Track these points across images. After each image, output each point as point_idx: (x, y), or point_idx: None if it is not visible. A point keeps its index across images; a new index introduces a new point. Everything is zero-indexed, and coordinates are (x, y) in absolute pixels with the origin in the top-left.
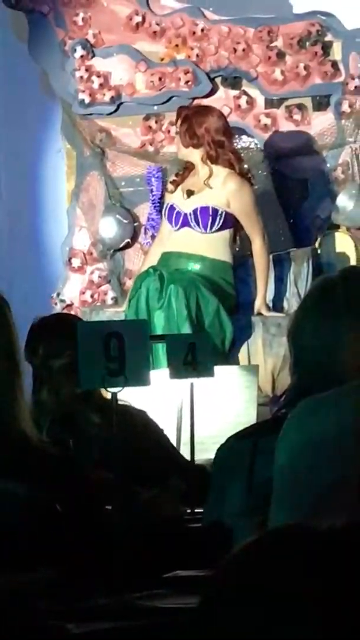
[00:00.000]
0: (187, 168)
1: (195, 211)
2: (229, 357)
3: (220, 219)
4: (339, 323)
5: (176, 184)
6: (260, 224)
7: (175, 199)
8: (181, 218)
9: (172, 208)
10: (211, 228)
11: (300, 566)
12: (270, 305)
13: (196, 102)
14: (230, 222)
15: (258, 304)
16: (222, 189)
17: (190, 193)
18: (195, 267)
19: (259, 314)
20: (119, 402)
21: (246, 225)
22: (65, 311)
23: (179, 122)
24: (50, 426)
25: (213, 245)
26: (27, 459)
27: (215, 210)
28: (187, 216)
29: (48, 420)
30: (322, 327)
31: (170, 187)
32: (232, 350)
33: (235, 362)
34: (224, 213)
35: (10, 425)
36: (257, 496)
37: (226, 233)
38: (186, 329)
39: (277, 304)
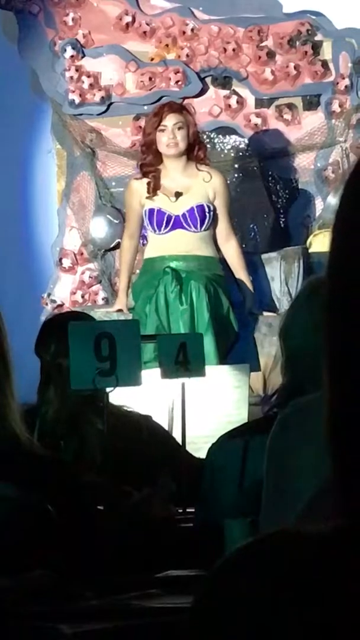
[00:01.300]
0: (152, 171)
1: (190, 211)
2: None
3: (211, 215)
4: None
5: (155, 187)
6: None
7: (160, 203)
8: (172, 221)
9: (159, 213)
10: (204, 226)
11: (290, 571)
12: (261, 303)
13: (186, 101)
14: (217, 217)
15: (250, 304)
16: (209, 185)
17: (178, 194)
18: (192, 267)
19: (251, 313)
20: (125, 408)
21: (225, 220)
22: (55, 312)
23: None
24: (55, 425)
25: (204, 243)
26: (16, 459)
27: (208, 207)
28: (179, 218)
29: (53, 419)
30: (312, 327)
31: (147, 194)
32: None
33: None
34: (213, 209)
35: (0, 426)
36: (248, 496)
37: (212, 229)
38: (207, 328)
39: (268, 304)
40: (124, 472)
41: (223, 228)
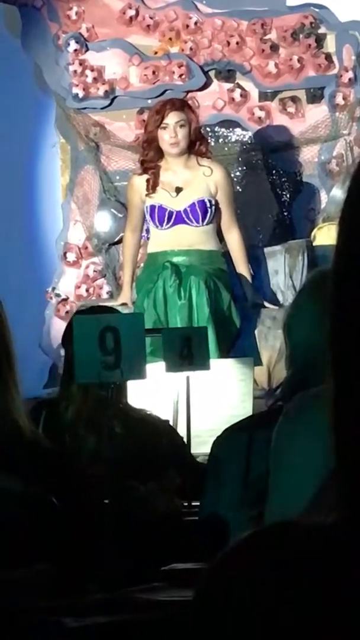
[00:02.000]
0: (152, 167)
1: (191, 206)
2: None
3: (212, 209)
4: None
5: (154, 184)
6: (236, 212)
7: (160, 199)
8: (174, 216)
9: (161, 209)
10: (206, 220)
11: (291, 563)
12: (265, 296)
13: (190, 95)
14: (219, 211)
15: (251, 296)
16: (210, 179)
17: (179, 190)
18: (194, 261)
19: (256, 304)
20: (144, 411)
21: (228, 213)
22: (60, 306)
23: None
24: (75, 421)
25: (207, 237)
26: (20, 452)
27: (209, 202)
28: (181, 213)
29: (73, 416)
30: (316, 320)
31: (147, 191)
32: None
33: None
34: (215, 203)
35: (2, 418)
36: (253, 489)
37: (215, 223)
38: (207, 323)
39: (272, 297)
40: (137, 473)
41: (226, 220)
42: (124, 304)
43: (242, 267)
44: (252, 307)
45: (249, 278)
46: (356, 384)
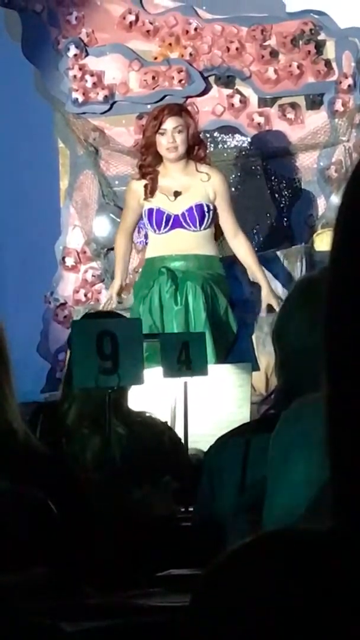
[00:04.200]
0: (151, 173)
1: (189, 210)
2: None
3: (210, 214)
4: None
5: (152, 189)
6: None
7: (159, 202)
8: (171, 220)
9: (159, 212)
10: (204, 225)
11: (287, 570)
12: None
13: (189, 100)
14: (217, 216)
15: (267, 295)
16: (208, 184)
17: (177, 194)
18: (191, 266)
19: (270, 306)
20: (145, 413)
21: (231, 220)
22: (58, 310)
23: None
24: (79, 420)
25: (204, 242)
26: (13, 455)
27: (207, 207)
28: (179, 217)
29: (76, 415)
30: (306, 326)
31: (145, 195)
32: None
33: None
34: (213, 208)
35: None
36: (249, 496)
37: (212, 228)
38: (203, 328)
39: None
40: (140, 475)
41: (230, 225)
42: (118, 296)
43: (254, 269)
44: (268, 311)
45: (264, 283)
46: (351, 390)
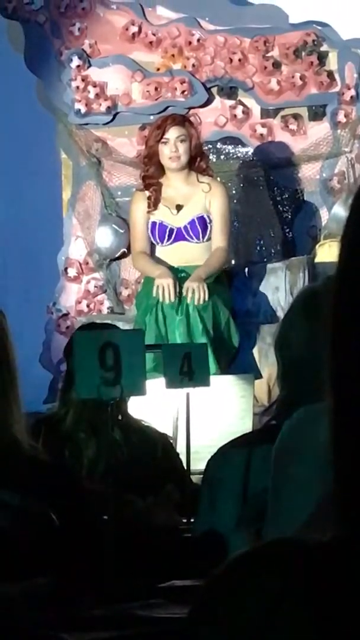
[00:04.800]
0: (154, 184)
1: (191, 223)
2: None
3: (211, 225)
4: (324, 333)
5: (156, 201)
6: (229, 230)
7: (161, 216)
8: (174, 233)
9: (162, 226)
10: (206, 236)
11: (288, 580)
12: (266, 313)
13: (192, 111)
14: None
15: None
16: (207, 196)
17: (179, 207)
18: None
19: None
20: (143, 422)
21: (216, 228)
22: (60, 321)
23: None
24: (76, 424)
25: (207, 253)
26: (18, 467)
27: (208, 218)
28: (181, 230)
29: (73, 420)
30: (308, 336)
31: (149, 208)
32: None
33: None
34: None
35: (2, 432)
36: (251, 506)
37: None
38: (204, 338)
39: (273, 314)
40: (133, 482)
41: (215, 235)
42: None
43: (200, 270)
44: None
45: (201, 269)
46: (356, 400)
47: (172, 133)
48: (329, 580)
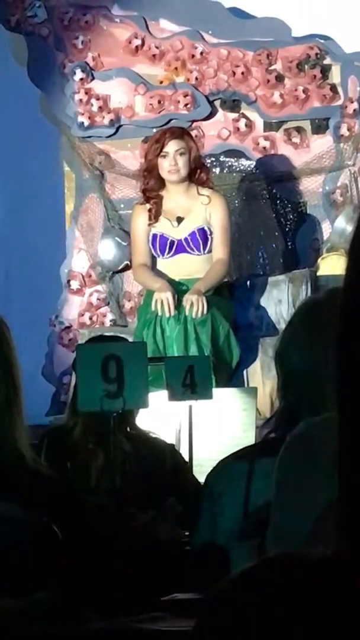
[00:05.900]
0: (154, 197)
1: (192, 235)
2: (232, 379)
3: (212, 237)
4: (325, 345)
5: (157, 213)
6: (230, 242)
7: (162, 228)
8: (175, 245)
9: (162, 238)
10: (207, 249)
11: (291, 595)
12: (268, 326)
13: (195, 124)
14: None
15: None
16: (207, 208)
17: (180, 220)
18: None
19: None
20: (152, 435)
21: (220, 237)
22: (63, 333)
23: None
24: (83, 438)
25: (208, 266)
26: (21, 480)
27: (209, 230)
28: (182, 242)
29: (81, 431)
30: (308, 348)
31: (149, 220)
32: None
33: (236, 384)
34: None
35: (5, 446)
36: (253, 519)
37: None
38: (203, 351)
39: (275, 326)
40: (141, 494)
41: (216, 246)
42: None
43: (199, 283)
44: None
45: (201, 282)
46: None
47: (171, 146)
48: (332, 595)
